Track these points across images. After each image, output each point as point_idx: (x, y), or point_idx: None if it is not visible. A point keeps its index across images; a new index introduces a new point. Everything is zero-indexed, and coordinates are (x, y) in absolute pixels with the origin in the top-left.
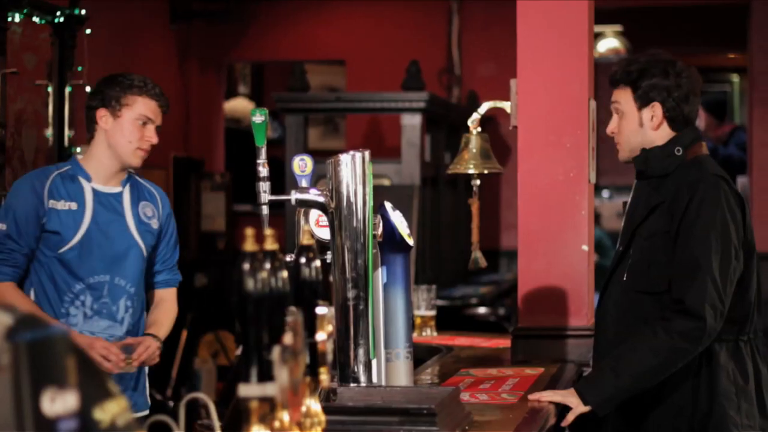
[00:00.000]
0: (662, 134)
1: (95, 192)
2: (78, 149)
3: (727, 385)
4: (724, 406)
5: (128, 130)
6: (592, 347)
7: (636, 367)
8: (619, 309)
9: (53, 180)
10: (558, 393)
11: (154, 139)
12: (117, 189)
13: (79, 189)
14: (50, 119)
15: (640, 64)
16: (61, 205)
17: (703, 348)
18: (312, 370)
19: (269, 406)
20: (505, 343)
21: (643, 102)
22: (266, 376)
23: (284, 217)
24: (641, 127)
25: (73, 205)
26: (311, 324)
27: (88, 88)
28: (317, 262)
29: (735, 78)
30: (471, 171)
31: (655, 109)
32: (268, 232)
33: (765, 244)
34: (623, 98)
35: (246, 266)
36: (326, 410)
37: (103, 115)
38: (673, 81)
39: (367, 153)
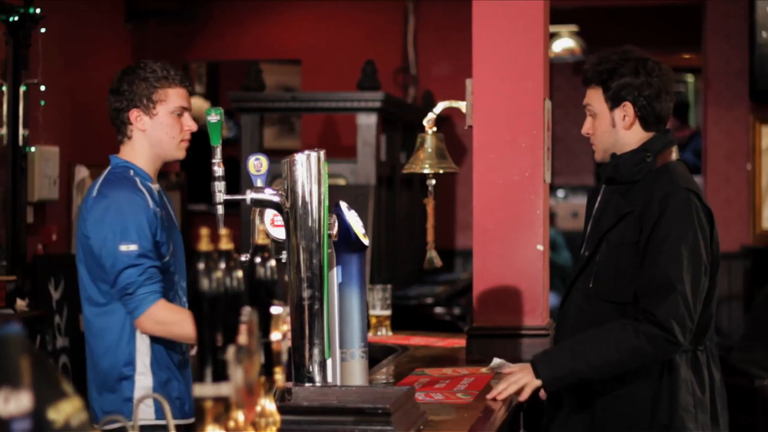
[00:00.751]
0: (635, 134)
1: (159, 194)
2: (33, 149)
3: (687, 398)
4: (683, 418)
5: (168, 125)
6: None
7: (595, 355)
8: (581, 314)
9: (141, 187)
10: (510, 380)
11: (194, 127)
12: (157, 187)
13: (153, 193)
14: (5, 118)
15: (610, 63)
16: (157, 212)
17: (665, 358)
18: (267, 370)
19: (224, 405)
20: (460, 342)
21: (614, 102)
22: (221, 375)
23: (239, 216)
24: (614, 127)
25: (159, 211)
26: (266, 324)
27: (43, 87)
28: (272, 262)
29: (690, 78)
30: (426, 171)
31: (627, 109)
32: (223, 231)
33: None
34: (595, 99)
35: (201, 266)
36: (281, 410)
37: (137, 116)
38: (643, 79)
39: (322, 153)
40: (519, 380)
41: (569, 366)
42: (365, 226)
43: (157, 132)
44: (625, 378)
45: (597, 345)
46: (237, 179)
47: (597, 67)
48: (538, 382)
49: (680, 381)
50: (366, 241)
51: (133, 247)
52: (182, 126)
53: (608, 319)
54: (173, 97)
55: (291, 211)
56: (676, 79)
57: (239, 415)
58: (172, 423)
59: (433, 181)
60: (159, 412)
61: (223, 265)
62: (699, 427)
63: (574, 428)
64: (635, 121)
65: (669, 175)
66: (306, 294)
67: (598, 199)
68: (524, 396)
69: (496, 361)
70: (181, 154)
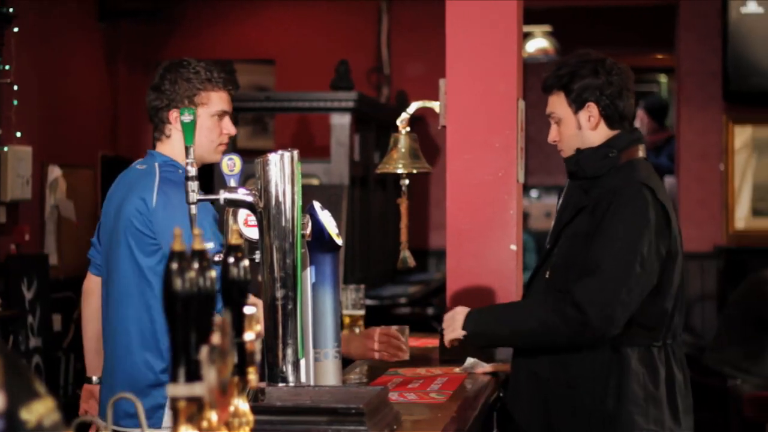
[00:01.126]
0: (600, 133)
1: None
2: (6, 149)
3: (637, 390)
4: (631, 411)
5: (207, 128)
6: None
7: (515, 321)
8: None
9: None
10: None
11: (233, 131)
12: None
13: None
14: None
15: (569, 66)
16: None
17: (580, 341)
18: (240, 370)
19: (197, 406)
20: (433, 342)
21: (578, 105)
22: (194, 375)
23: None
24: (580, 129)
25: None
26: (239, 324)
27: (15, 87)
28: (246, 262)
29: (663, 78)
30: (400, 170)
31: (591, 110)
32: (196, 231)
33: (690, 244)
34: (558, 105)
35: (174, 266)
36: (254, 410)
37: (177, 117)
38: (604, 79)
39: (296, 152)
40: (446, 327)
41: (492, 326)
42: (338, 226)
43: (199, 134)
44: (575, 367)
45: (520, 312)
46: (210, 179)
47: (557, 72)
48: (460, 334)
49: (630, 373)
50: (339, 241)
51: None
52: (221, 130)
53: None
54: (215, 100)
55: (264, 211)
56: (649, 79)
57: (212, 415)
58: (144, 422)
59: (407, 181)
60: None
61: (196, 265)
62: (651, 422)
63: (530, 415)
64: (600, 120)
65: (629, 170)
66: (279, 294)
67: (563, 193)
68: (445, 341)
69: (469, 360)
70: (217, 158)
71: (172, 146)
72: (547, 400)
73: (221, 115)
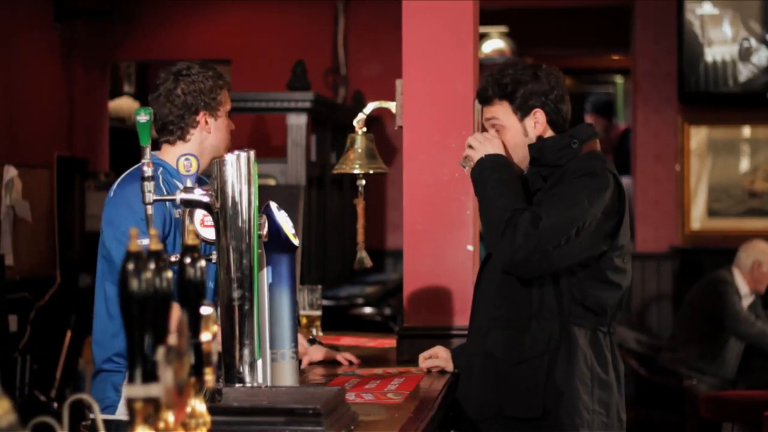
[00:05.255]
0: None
1: None
2: None
3: (584, 370)
4: (578, 389)
5: (225, 127)
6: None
7: (495, 198)
8: (496, 293)
9: None
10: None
11: (233, 126)
12: None
13: None
14: None
15: (510, 74)
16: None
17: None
18: (197, 371)
19: (154, 406)
20: (390, 342)
21: (524, 112)
22: (151, 376)
23: None
24: (526, 136)
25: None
26: (196, 324)
27: None
28: (202, 262)
29: (619, 79)
30: (356, 171)
31: (537, 116)
32: (152, 232)
33: (646, 244)
34: (501, 113)
35: (130, 266)
36: (211, 411)
37: (205, 118)
38: (546, 84)
39: (252, 153)
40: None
41: (485, 177)
42: (295, 227)
43: (219, 134)
44: (527, 345)
45: (504, 199)
46: None
47: (499, 81)
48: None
49: (579, 351)
50: (296, 242)
51: None
52: (231, 126)
53: (519, 297)
54: (227, 99)
55: (221, 212)
56: (605, 80)
57: (169, 416)
58: (101, 425)
59: (363, 182)
60: None
61: (152, 266)
62: (596, 403)
63: (481, 395)
64: (546, 126)
65: (593, 157)
66: (236, 294)
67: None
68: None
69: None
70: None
71: (183, 149)
72: (497, 379)
73: (230, 113)
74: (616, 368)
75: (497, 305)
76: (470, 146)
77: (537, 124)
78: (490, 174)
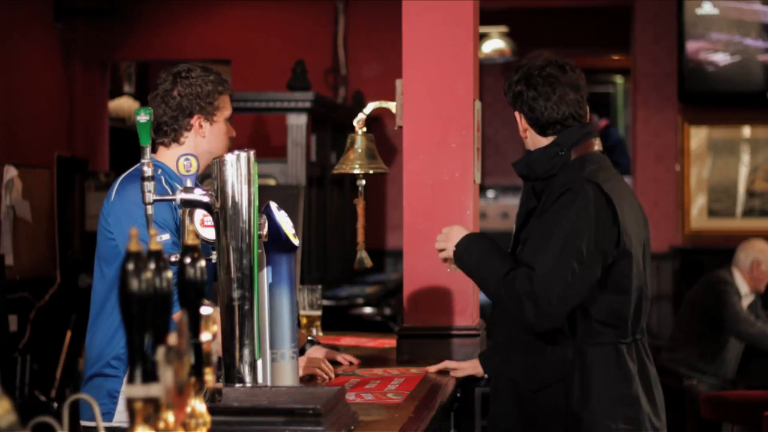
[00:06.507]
0: (535, 138)
1: None
2: None
3: (601, 392)
4: (594, 412)
5: (223, 132)
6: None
7: (489, 272)
8: (501, 307)
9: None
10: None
11: (234, 133)
12: None
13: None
14: None
15: (507, 80)
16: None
17: (531, 327)
18: (197, 371)
19: (154, 406)
20: (390, 343)
21: (515, 110)
22: (151, 376)
23: None
24: (524, 137)
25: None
26: (196, 324)
27: None
28: (202, 262)
29: (619, 79)
30: (356, 171)
31: (520, 117)
32: (152, 232)
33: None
34: (517, 118)
35: (130, 266)
36: (211, 411)
37: (199, 122)
38: (522, 85)
39: (252, 153)
40: (439, 239)
41: (473, 260)
42: (295, 227)
43: (215, 138)
44: (544, 370)
45: (497, 268)
46: None
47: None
48: (449, 248)
49: (592, 373)
50: (296, 242)
51: None
52: (230, 132)
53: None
54: (227, 104)
55: (221, 212)
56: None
57: (169, 416)
58: (101, 424)
59: (364, 182)
60: None
61: (152, 266)
62: (620, 421)
63: (506, 420)
64: (528, 128)
65: (578, 167)
66: (236, 294)
67: (521, 196)
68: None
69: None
70: None
71: (177, 152)
72: (518, 406)
73: (229, 118)
74: (643, 377)
75: (514, 323)
76: (440, 250)
77: (520, 126)
78: (467, 258)
